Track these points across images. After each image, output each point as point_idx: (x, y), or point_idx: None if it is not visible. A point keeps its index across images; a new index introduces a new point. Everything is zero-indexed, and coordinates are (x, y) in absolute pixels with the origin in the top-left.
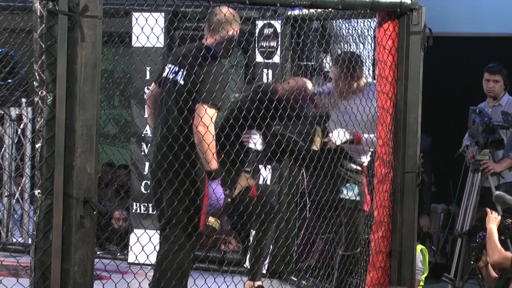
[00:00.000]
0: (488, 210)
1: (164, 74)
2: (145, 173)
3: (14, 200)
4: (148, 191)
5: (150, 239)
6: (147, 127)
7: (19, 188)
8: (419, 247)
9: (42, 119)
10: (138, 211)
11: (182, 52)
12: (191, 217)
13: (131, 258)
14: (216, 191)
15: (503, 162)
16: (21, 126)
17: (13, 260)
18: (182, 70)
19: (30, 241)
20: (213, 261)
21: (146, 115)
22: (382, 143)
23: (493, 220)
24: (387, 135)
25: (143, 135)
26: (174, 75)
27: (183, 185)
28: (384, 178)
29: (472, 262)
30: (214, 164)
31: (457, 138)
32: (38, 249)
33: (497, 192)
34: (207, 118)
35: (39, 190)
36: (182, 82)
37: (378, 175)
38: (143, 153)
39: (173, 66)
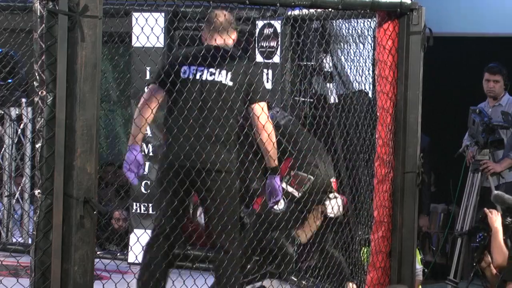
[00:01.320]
0: (487, 210)
1: (186, 75)
2: (145, 173)
3: (14, 200)
4: (148, 191)
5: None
6: (147, 127)
7: (19, 188)
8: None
9: (42, 119)
10: (138, 211)
11: (202, 53)
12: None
13: (131, 258)
14: (279, 186)
15: (503, 162)
16: (21, 126)
17: (13, 260)
18: (223, 71)
19: (30, 241)
20: (213, 261)
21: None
22: (382, 143)
23: (497, 219)
24: (387, 135)
25: None
26: (210, 76)
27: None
28: (384, 178)
29: (474, 264)
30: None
31: (457, 138)
32: (38, 249)
33: (496, 192)
34: (265, 115)
35: (39, 190)
36: (230, 83)
37: (378, 175)
38: (143, 153)
39: (201, 67)
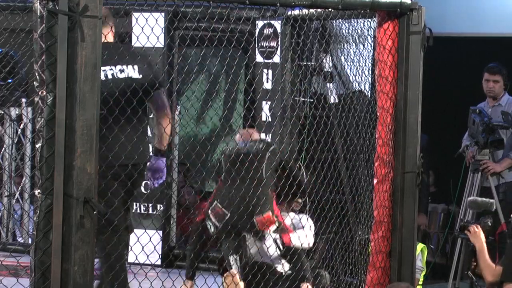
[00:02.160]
0: (469, 229)
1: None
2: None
3: (14, 200)
4: (148, 191)
5: (150, 239)
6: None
7: (19, 188)
8: (420, 246)
9: (42, 119)
10: (138, 211)
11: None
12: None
13: (131, 258)
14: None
15: (503, 162)
16: (21, 126)
17: (13, 260)
18: (129, 65)
19: (30, 241)
20: (213, 261)
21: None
22: (382, 143)
23: (477, 235)
24: (387, 135)
25: None
26: (121, 73)
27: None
28: (384, 178)
29: (467, 272)
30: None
31: (457, 137)
32: (38, 249)
33: (469, 199)
34: (166, 100)
35: (39, 190)
36: (139, 76)
37: (378, 175)
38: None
39: (110, 66)
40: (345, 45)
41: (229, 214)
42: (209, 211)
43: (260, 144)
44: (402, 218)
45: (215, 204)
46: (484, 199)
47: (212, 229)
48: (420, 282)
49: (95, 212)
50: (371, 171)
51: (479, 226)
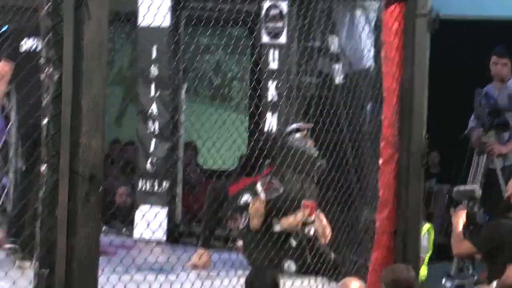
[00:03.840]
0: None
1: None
2: (151, 150)
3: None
4: (154, 168)
5: (155, 215)
6: (154, 105)
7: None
8: (426, 226)
9: (49, 96)
10: (144, 188)
11: None
12: None
13: (136, 234)
14: None
15: (509, 144)
16: None
17: None
18: None
19: None
20: (218, 238)
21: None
22: (388, 124)
23: (458, 215)
24: (392, 116)
25: (149, 113)
26: None
27: None
28: (390, 159)
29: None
30: None
31: (462, 119)
32: (43, 225)
33: (454, 189)
34: None
35: (45, 167)
36: None
37: (384, 156)
38: (148, 131)
39: None
40: (351, 26)
41: (282, 190)
42: (259, 184)
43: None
44: (408, 198)
45: (271, 178)
46: (467, 187)
47: (247, 199)
48: (425, 262)
49: (100, 189)
50: (376, 152)
51: (463, 209)
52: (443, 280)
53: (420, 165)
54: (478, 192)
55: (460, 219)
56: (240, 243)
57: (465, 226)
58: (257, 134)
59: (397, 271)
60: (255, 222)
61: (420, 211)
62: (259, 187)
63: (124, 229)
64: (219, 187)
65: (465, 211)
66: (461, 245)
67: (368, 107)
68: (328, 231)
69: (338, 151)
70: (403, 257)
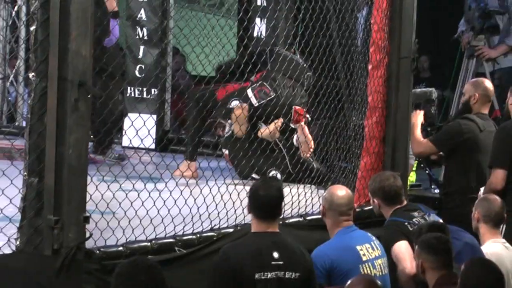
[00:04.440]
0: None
1: None
2: (139, 57)
3: (9, 83)
4: (143, 75)
5: (144, 123)
6: (142, 10)
7: (14, 71)
8: None
9: (37, 1)
10: (133, 95)
11: None
12: None
13: (125, 142)
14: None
15: (499, 48)
16: (15, 9)
17: (7, 143)
18: None
19: (24, 124)
20: (207, 146)
21: None
22: (377, 28)
23: (416, 116)
24: (382, 20)
25: (137, 18)
26: None
27: None
28: (379, 64)
29: None
30: None
31: (452, 22)
32: (32, 132)
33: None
34: None
35: (33, 73)
36: None
37: (373, 61)
38: (137, 36)
39: None
40: None
41: (273, 95)
42: (250, 88)
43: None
44: (397, 103)
45: (261, 84)
46: (423, 89)
47: (236, 104)
48: (414, 168)
49: (89, 96)
50: (366, 57)
51: (420, 110)
52: (432, 186)
53: (410, 69)
54: (435, 93)
55: (418, 121)
56: (226, 151)
57: (423, 128)
58: (246, 39)
59: (383, 179)
60: (237, 129)
61: (409, 117)
62: (249, 91)
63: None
64: (206, 93)
65: (422, 112)
66: (420, 145)
67: (359, 13)
68: (311, 144)
69: (327, 56)
70: (391, 163)
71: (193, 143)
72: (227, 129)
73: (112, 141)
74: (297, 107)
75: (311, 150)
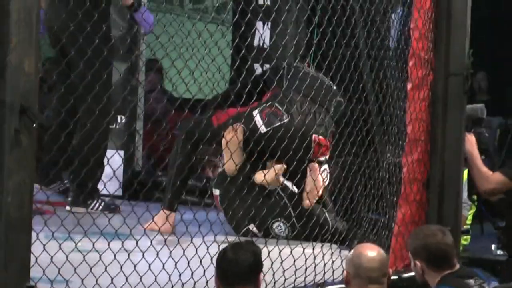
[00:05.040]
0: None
1: None
2: None
3: None
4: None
5: (108, 161)
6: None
7: None
8: (467, 172)
9: None
10: None
11: None
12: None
13: None
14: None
15: None
16: None
17: None
18: None
19: None
20: (192, 192)
21: None
22: (419, 35)
23: (470, 143)
24: (425, 24)
25: None
26: None
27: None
28: (421, 83)
29: None
30: None
31: None
32: None
33: None
34: None
35: None
36: None
37: (413, 79)
38: None
39: None
40: None
41: (288, 118)
42: (257, 109)
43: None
44: (444, 136)
45: (271, 105)
46: (472, 105)
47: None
48: (468, 222)
49: (35, 125)
50: (403, 73)
51: (471, 133)
52: (493, 247)
53: (462, 90)
54: (484, 111)
55: (474, 148)
56: (217, 192)
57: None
58: (244, 50)
59: (428, 235)
60: (230, 164)
61: (462, 153)
62: (255, 112)
63: (66, 181)
64: (194, 122)
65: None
66: (490, 180)
67: (394, 15)
68: (319, 190)
69: (352, 72)
70: (438, 214)
71: (175, 188)
72: (220, 169)
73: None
74: (320, 137)
75: (316, 197)
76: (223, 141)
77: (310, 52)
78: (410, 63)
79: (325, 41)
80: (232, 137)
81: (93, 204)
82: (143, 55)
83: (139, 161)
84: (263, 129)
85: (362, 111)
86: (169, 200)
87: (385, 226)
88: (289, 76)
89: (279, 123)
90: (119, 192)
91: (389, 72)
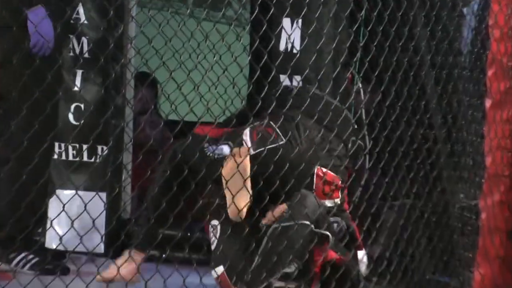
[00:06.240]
0: None
1: None
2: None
3: None
4: (82, 121)
5: (85, 207)
6: (80, 7)
7: None
8: None
9: None
10: (64, 157)
11: None
12: None
13: (50, 242)
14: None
15: None
16: None
17: None
18: None
19: None
20: (196, 248)
21: None
22: (501, 35)
23: None
24: (508, 21)
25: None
26: None
27: None
28: (504, 99)
29: None
30: None
31: None
32: None
33: None
34: None
35: None
36: None
37: (494, 93)
38: (71, 52)
39: None
40: None
41: (281, 142)
42: (248, 129)
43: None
44: None
45: (268, 124)
46: None
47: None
48: None
49: None
50: (480, 87)
51: None
52: None
53: None
54: None
55: None
56: (220, 270)
57: None
58: (266, 56)
59: None
60: (232, 207)
61: None
62: (246, 131)
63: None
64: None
65: None
66: None
67: (466, 9)
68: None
69: (411, 86)
70: None
71: (150, 224)
72: (212, 236)
73: (30, 238)
74: (324, 170)
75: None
76: (224, 172)
77: (355, 59)
78: (489, 73)
79: (375, 44)
80: (234, 167)
81: (17, 260)
82: (131, 65)
83: (127, 206)
84: (250, 152)
85: (425, 138)
86: (144, 239)
87: None
88: (295, 95)
89: (271, 146)
90: (100, 249)
91: (461, 85)
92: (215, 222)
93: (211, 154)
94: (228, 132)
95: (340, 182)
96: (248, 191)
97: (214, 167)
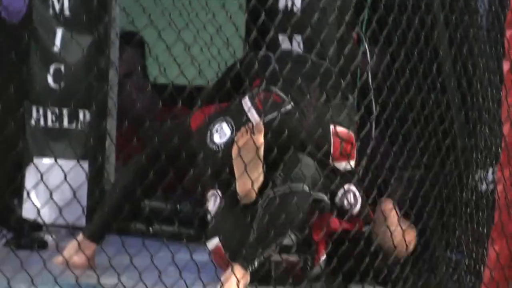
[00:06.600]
0: None
1: None
2: (55, 50)
3: None
4: (63, 84)
5: (65, 177)
6: None
7: None
8: None
9: None
10: (42, 123)
11: None
12: None
13: (27, 212)
14: None
15: None
16: None
17: None
18: None
19: None
20: (188, 223)
21: None
22: None
23: None
24: None
25: None
26: None
27: None
28: None
29: None
30: None
31: None
32: None
33: None
34: None
35: None
36: None
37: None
38: (50, 10)
39: None
40: None
41: (291, 104)
42: (247, 97)
43: None
44: None
45: (267, 88)
46: None
47: (223, 139)
48: None
49: None
50: (498, 48)
51: None
52: None
53: None
54: None
55: None
56: (214, 241)
57: None
58: (263, 15)
59: None
60: (244, 184)
61: None
62: (246, 102)
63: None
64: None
65: None
66: None
67: None
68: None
69: (422, 46)
70: None
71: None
72: (211, 203)
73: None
74: (341, 129)
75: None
76: (234, 150)
77: (362, 19)
78: (508, 33)
79: (383, 2)
80: (247, 141)
81: None
82: (116, 24)
83: (110, 176)
84: (258, 121)
85: (438, 104)
86: (95, 224)
87: (470, 269)
88: (292, 61)
89: (281, 111)
90: (82, 222)
91: (477, 46)
92: (217, 192)
93: (214, 148)
94: (226, 108)
95: (354, 140)
96: (261, 171)
97: (215, 161)
